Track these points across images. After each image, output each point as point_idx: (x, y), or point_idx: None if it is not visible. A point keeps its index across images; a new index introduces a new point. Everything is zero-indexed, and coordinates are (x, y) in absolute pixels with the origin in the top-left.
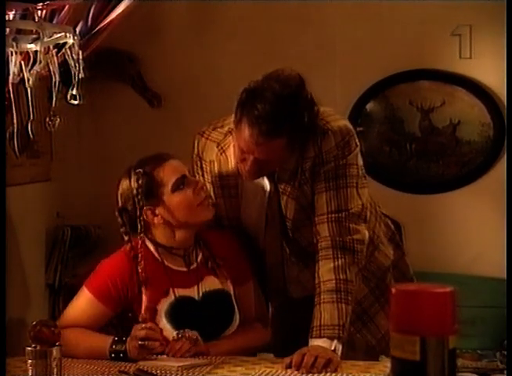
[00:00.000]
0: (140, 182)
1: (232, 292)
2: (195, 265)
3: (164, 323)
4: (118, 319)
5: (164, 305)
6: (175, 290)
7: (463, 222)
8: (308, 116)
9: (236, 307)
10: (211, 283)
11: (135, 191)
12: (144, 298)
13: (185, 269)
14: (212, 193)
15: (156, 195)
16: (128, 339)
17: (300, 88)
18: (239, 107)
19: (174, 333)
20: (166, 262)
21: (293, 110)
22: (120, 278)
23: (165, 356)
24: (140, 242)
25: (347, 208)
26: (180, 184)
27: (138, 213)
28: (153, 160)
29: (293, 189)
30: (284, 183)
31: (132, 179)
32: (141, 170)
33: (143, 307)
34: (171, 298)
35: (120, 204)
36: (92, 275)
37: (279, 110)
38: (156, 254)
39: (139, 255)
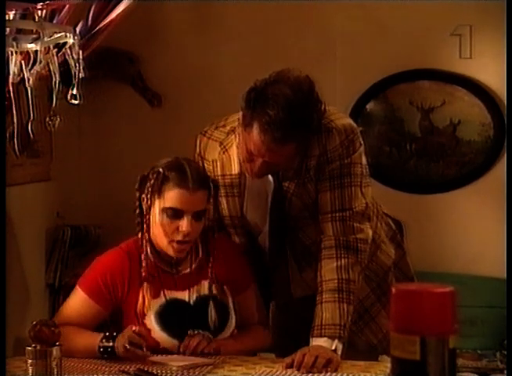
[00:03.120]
0: (152, 179)
1: (228, 299)
2: (188, 270)
3: (153, 325)
4: (112, 318)
5: (154, 306)
6: (166, 292)
7: (463, 222)
8: (316, 117)
9: (231, 314)
10: (206, 288)
11: (148, 183)
12: (134, 297)
13: (178, 272)
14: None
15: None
16: (119, 336)
17: (311, 92)
18: (249, 110)
19: (188, 332)
20: (158, 263)
21: (304, 115)
22: (110, 276)
23: (165, 356)
24: (141, 239)
25: (352, 207)
26: (168, 214)
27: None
28: (177, 168)
29: (297, 187)
30: (288, 181)
31: (151, 173)
32: (160, 170)
33: (133, 307)
34: (161, 299)
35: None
36: (85, 272)
37: (292, 117)
38: (150, 254)
39: (138, 254)
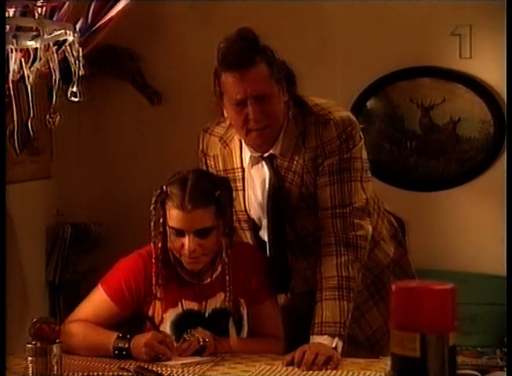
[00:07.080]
0: (158, 195)
1: (244, 312)
2: (209, 280)
3: (168, 333)
4: (128, 320)
5: (171, 315)
6: (184, 302)
7: (464, 220)
8: (277, 66)
9: (243, 326)
10: (223, 300)
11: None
12: (154, 304)
13: (200, 281)
14: None
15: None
16: (138, 338)
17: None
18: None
19: (185, 335)
20: (179, 271)
21: (255, 42)
22: (134, 280)
23: None
24: (161, 246)
25: (352, 203)
26: (176, 234)
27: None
28: (179, 185)
29: (294, 177)
30: (285, 170)
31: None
32: (163, 187)
33: (152, 313)
34: (178, 309)
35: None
36: (108, 274)
37: (243, 44)
38: (173, 262)
39: (159, 259)
